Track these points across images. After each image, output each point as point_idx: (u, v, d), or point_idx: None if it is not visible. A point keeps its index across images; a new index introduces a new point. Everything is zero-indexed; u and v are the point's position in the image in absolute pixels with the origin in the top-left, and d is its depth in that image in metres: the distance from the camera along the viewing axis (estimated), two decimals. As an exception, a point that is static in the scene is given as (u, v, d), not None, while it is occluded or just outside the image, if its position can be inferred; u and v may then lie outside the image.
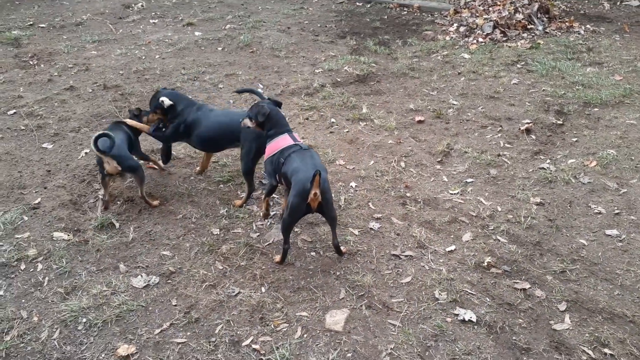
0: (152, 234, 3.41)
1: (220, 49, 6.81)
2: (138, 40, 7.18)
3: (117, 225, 3.48)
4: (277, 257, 3.15)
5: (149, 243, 3.32)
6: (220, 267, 3.11)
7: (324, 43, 7.02)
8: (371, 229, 3.43)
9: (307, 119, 4.92)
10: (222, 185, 3.95)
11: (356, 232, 3.39)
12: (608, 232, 3.39)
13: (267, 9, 8.55)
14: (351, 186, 3.90)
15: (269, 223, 3.50)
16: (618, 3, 8.50)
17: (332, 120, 4.90)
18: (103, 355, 2.55)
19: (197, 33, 7.43)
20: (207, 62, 6.31)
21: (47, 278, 3.03)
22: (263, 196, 3.54)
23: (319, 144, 4.47)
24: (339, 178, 4.00)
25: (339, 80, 5.79)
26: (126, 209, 3.66)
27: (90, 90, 5.57)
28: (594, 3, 8.53)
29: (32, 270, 3.09)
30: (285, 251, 3.10)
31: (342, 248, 3.16)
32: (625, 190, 3.79)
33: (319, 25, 7.76)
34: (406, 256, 3.19)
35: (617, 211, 3.58)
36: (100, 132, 3.35)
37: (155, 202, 3.67)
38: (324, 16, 8.16)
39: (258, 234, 3.40)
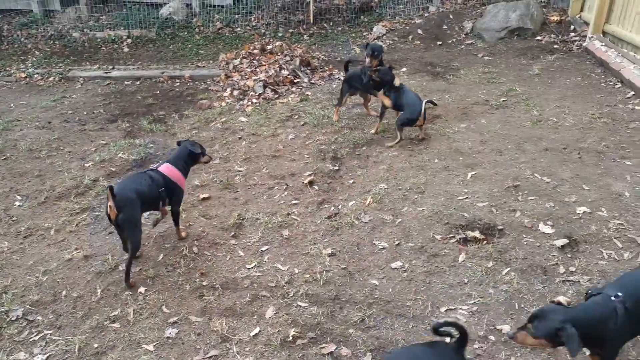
0: None
1: (-37, 162, 5.79)
2: None
3: None
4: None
5: None
6: None
7: (92, 132, 6.49)
8: (168, 337, 3.11)
9: (78, 224, 4.38)
10: None
11: (151, 347, 3.03)
12: (393, 265, 3.62)
13: (22, 104, 7.63)
14: (140, 292, 3.52)
15: None
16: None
17: (111, 218, 4.46)
18: None
19: None
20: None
21: None
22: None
23: (97, 251, 4.00)
24: (124, 287, 3.58)
25: (113, 170, 5.36)
26: None
27: None
28: (346, 49, 9.58)
29: None
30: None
31: None
32: (400, 219, 4.14)
33: (85, 112, 7.18)
34: (210, 357, 2.94)
35: (397, 242, 3.86)
36: None
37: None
38: (90, 102, 7.61)
39: None
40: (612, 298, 2.29)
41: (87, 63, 9.41)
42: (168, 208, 3.99)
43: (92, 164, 5.51)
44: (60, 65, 9.32)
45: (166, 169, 3.90)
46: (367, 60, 5.76)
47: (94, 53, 9.98)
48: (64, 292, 3.58)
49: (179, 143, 4.17)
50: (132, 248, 3.58)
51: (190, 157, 4.05)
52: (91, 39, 10.54)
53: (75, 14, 11.36)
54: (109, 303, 3.44)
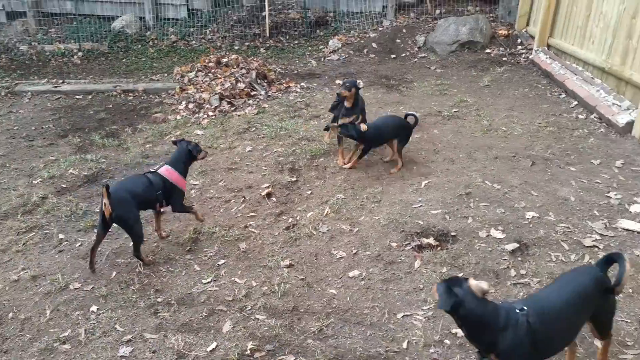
0: None
1: None
2: None
3: None
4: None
5: None
6: None
7: (41, 147, 6.26)
8: (122, 356, 3.00)
9: (25, 243, 4.19)
10: None
11: (102, 367, 2.93)
12: (351, 274, 3.65)
13: (-36, 122, 7.29)
14: (92, 311, 3.39)
15: None
16: (322, 59, 9.81)
17: (61, 236, 4.30)
18: None
19: None
20: None
21: None
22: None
23: (46, 271, 3.84)
24: (75, 306, 3.45)
25: (64, 186, 5.17)
26: None
27: None
28: (303, 62, 9.66)
29: None
30: None
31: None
32: (357, 228, 4.18)
33: (33, 128, 6.92)
34: (165, 375, 2.87)
35: (354, 251, 3.90)
36: None
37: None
38: (38, 117, 7.34)
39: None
40: (517, 311, 2.25)
41: (36, 77, 9.10)
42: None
43: (40, 181, 5.30)
44: (7, 79, 8.97)
45: (165, 171, 4.01)
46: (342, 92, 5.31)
47: (43, 67, 9.66)
48: (10, 315, 3.42)
49: (174, 142, 4.29)
50: (135, 241, 3.79)
51: (188, 156, 4.18)
52: (39, 53, 10.21)
53: (22, 26, 10.99)
54: (58, 324, 3.30)
